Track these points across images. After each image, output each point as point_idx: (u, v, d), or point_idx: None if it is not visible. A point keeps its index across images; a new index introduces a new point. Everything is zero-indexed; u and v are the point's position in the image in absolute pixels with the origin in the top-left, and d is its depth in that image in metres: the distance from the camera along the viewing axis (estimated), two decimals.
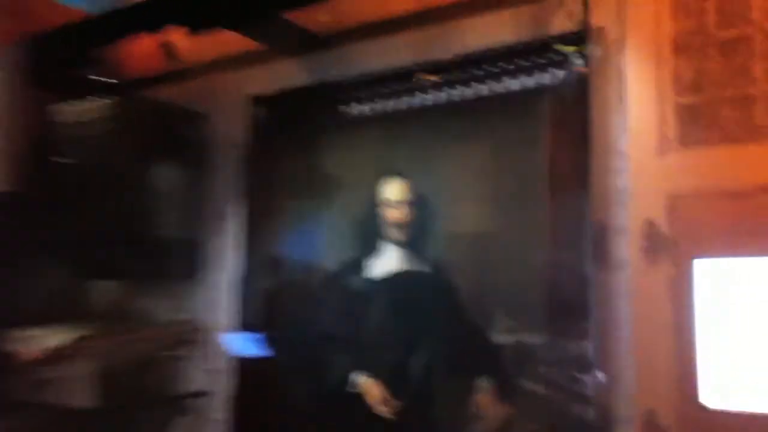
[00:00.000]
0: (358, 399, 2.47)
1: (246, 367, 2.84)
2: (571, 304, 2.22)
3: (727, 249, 1.94)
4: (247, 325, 2.88)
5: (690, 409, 1.95)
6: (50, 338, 2.89)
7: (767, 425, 1.88)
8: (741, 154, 1.93)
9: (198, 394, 2.94)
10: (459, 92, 2.56)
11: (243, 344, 2.87)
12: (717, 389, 1.93)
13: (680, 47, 2.04)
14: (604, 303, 2.13)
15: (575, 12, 2.23)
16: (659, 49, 2.07)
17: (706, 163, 1.98)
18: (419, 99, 2.64)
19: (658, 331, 1.99)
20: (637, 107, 2.10)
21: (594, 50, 2.20)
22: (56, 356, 2.68)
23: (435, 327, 2.52)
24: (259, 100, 3.03)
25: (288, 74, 2.96)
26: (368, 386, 2.46)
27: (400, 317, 2.54)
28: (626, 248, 2.09)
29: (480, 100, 2.51)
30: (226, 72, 3.13)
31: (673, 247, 2.01)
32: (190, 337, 2.98)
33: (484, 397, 2.40)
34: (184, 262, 3.18)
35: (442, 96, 2.59)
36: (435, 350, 2.50)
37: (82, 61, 3.31)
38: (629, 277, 2.08)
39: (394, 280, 2.60)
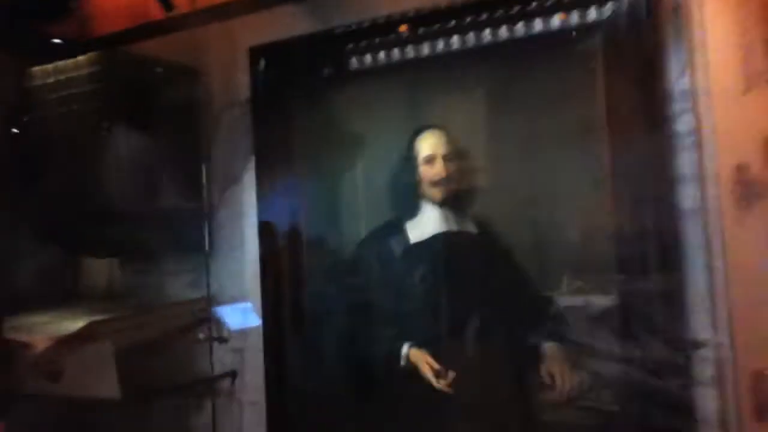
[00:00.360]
0: (407, 373, 2.29)
1: (275, 344, 2.62)
2: (645, 261, 2.06)
3: None
4: (271, 299, 2.65)
5: None
6: (56, 324, 2.63)
7: None
8: None
9: (225, 375, 2.72)
10: (494, 33, 2.32)
11: (267, 319, 2.65)
12: None
13: None
14: (685, 257, 1.98)
15: None
16: None
17: None
18: (448, 42, 2.39)
19: (756, 285, 1.85)
20: (716, 40, 1.90)
21: None
22: (68, 344, 2.42)
23: (488, 291, 2.33)
24: (258, 52, 2.73)
25: (289, 22, 2.66)
26: (420, 357, 2.27)
27: (447, 282, 2.34)
28: (712, 196, 1.92)
29: (519, 41, 2.27)
30: (217, 22, 2.81)
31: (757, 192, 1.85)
32: (207, 314, 2.74)
33: (553, 365, 2.20)
34: (189, 235, 2.92)
35: (475, 38, 2.34)
36: (491, 316, 2.31)
37: (47, 13, 2.95)
38: (718, 227, 1.92)
39: (437, 243, 2.39)
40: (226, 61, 2.83)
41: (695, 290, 1.95)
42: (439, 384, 2.21)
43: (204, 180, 2.85)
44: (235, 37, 2.81)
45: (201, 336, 2.69)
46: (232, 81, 2.81)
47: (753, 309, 1.86)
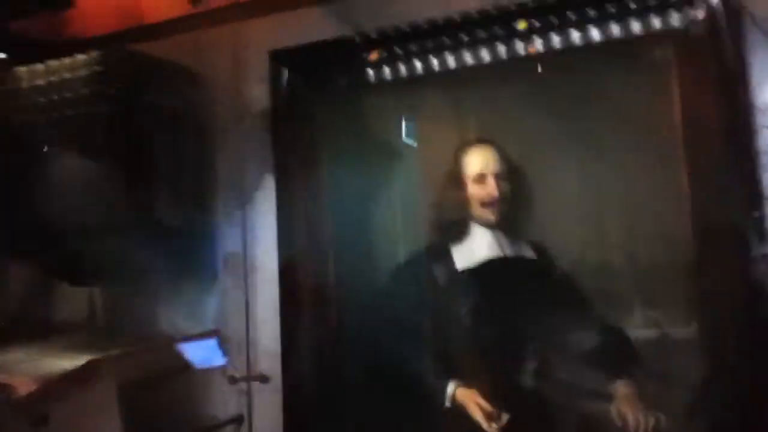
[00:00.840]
0: (453, 415, 2.03)
1: (295, 384, 2.31)
2: (729, 289, 1.86)
3: None
4: (292, 333, 2.34)
5: None
6: (35, 362, 2.27)
7: None
8: None
9: (232, 421, 2.39)
10: (554, 40, 2.12)
11: (286, 359, 2.34)
12: None
13: None
14: None
15: None
16: None
17: None
18: (499, 50, 2.18)
19: None
20: None
21: None
22: (60, 385, 2.06)
23: (548, 323, 2.09)
24: (280, 57, 2.46)
25: (312, 25, 2.41)
26: (469, 397, 2.02)
27: (501, 313, 2.11)
28: None
29: (582, 49, 2.08)
30: (236, 23, 2.54)
31: None
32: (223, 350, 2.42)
33: (625, 403, 1.96)
34: (188, 258, 2.59)
35: (533, 44, 2.13)
36: (551, 352, 2.08)
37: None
38: None
39: (488, 269, 2.16)
40: (236, 67, 2.56)
41: None
42: (491, 428, 1.96)
43: (208, 197, 2.56)
44: (247, 41, 2.55)
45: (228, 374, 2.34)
46: (243, 89, 2.54)
47: None
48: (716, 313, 1.89)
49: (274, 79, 2.44)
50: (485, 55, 2.15)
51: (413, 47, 2.28)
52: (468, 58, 2.19)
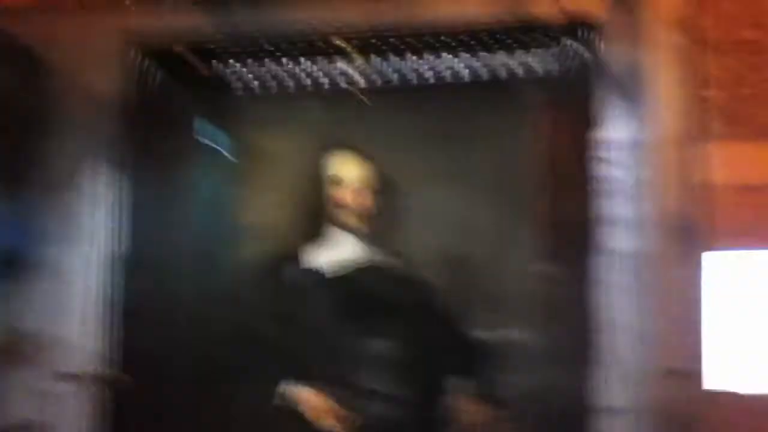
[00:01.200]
0: (292, 416, 1.96)
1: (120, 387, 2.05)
2: (569, 300, 2.02)
3: (745, 241, 1.91)
4: (115, 332, 2.10)
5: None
6: None
7: None
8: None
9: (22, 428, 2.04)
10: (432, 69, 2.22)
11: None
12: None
13: (705, 41, 2.02)
14: (610, 298, 1.96)
15: None
16: (682, 36, 2.02)
17: (726, 156, 1.95)
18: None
19: (674, 324, 1.86)
20: (659, 95, 2.01)
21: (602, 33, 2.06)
22: None
23: (397, 326, 2.10)
24: (137, 46, 2.32)
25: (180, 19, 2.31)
26: (307, 398, 1.95)
27: (355, 316, 2.08)
28: (641, 241, 1.95)
29: (461, 79, 2.22)
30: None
31: (692, 238, 1.92)
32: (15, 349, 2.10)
33: (464, 401, 2.06)
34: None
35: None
36: (399, 352, 2.08)
37: None
38: (644, 269, 1.94)
39: (342, 272, 2.13)
40: (83, 55, 2.37)
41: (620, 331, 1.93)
42: (332, 426, 1.94)
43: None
44: (96, 29, 2.38)
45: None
46: (90, 78, 2.34)
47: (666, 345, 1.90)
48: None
49: (125, 69, 2.29)
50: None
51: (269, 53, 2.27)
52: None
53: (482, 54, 2.20)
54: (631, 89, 2.01)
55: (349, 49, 2.09)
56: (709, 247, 1.90)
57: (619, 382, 1.87)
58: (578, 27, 2.06)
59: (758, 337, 1.88)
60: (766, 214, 1.91)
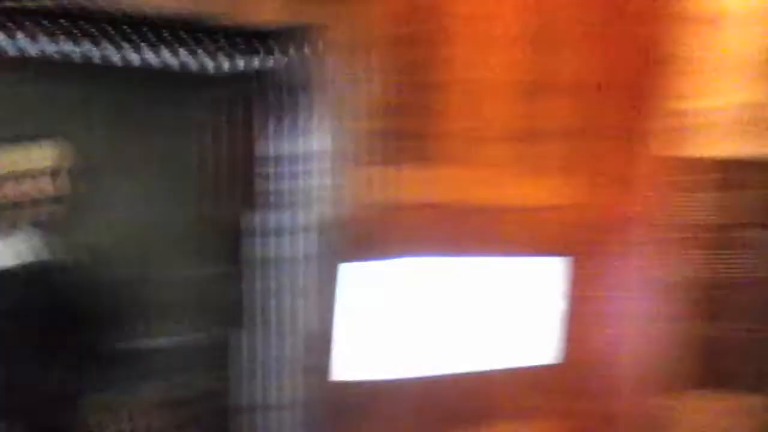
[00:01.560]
0: None
1: None
2: (226, 302, 2.17)
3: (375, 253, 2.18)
4: None
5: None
6: None
7: None
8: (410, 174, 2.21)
9: None
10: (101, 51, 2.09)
11: None
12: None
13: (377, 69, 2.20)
14: (264, 301, 2.13)
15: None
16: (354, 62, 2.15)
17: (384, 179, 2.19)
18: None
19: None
20: (318, 116, 2.18)
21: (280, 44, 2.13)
22: None
23: (55, 334, 2.03)
24: None
25: None
26: None
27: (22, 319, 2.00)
28: (291, 248, 2.14)
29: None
30: None
31: (333, 249, 2.14)
32: None
33: (102, 415, 2.06)
34: None
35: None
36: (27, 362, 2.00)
37: None
38: (292, 275, 2.13)
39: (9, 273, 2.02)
40: None
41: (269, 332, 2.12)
42: None
43: None
44: None
45: None
46: None
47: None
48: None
49: None
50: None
51: None
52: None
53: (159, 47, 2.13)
54: (298, 105, 2.17)
55: None
56: (347, 258, 2.14)
57: (266, 380, 2.07)
58: (254, 34, 2.13)
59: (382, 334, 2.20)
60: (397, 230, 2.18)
